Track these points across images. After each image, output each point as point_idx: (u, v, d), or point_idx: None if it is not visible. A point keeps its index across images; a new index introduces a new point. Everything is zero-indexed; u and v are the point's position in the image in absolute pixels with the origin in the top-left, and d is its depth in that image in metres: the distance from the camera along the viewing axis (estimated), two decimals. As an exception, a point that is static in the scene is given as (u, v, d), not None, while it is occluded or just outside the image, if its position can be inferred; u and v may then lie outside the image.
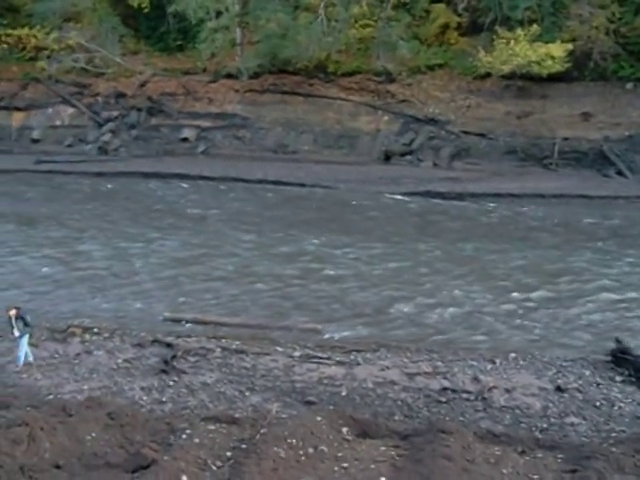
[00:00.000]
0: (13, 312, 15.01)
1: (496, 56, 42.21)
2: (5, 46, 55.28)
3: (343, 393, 13.88)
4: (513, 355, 15.68)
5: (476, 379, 14.41)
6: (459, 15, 47.14)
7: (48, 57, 53.47)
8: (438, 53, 47.33)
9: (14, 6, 56.96)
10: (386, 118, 47.14)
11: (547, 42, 41.59)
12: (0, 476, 8.07)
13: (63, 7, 53.06)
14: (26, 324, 14.90)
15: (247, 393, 13.88)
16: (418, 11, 47.65)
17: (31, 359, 15.16)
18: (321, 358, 15.43)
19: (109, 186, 40.00)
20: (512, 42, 41.72)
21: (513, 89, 44.27)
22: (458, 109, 45.50)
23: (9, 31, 54.99)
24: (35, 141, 53.85)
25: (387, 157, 45.44)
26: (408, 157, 45.17)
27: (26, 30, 54.45)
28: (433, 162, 44.23)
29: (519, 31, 42.18)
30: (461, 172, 41.73)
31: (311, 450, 8.97)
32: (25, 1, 56.41)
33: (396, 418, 12.69)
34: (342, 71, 48.15)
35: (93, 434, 9.40)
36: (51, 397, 13.48)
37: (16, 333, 15.00)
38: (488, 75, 44.23)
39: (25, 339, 15.01)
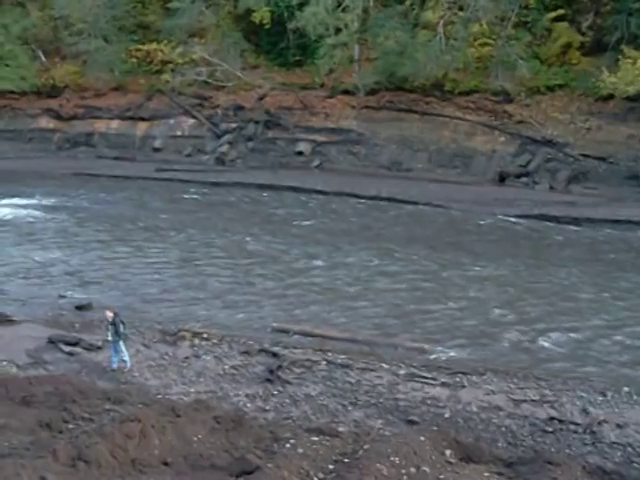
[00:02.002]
0: (109, 315, 15.60)
1: (621, 77, 40.66)
2: (134, 60, 58.22)
3: (446, 415, 13.69)
4: (626, 389, 14.99)
5: (585, 411, 13.87)
6: (582, 34, 45.80)
7: (173, 70, 55.76)
8: (559, 73, 46.07)
9: (144, 23, 59.94)
10: (502, 139, 46.27)
11: (677, 63, 39.81)
12: (113, 467, 8.43)
13: (189, 23, 55.29)
14: (117, 332, 15.41)
15: (350, 408, 13.91)
16: (539, 30, 46.60)
17: (114, 366, 15.68)
18: (426, 378, 15.28)
19: (257, 198, 41.07)
20: (639, 62, 40.14)
21: (638, 111, 42.49)
22: (577, 131, 44.12)
23: (139, 46, 57.86)
24: (156, 150, 56.11)
25: (502, 178, 44.55)
26: (523, 179, 44.11)
27: (154, 45, 57.14)
28: (549, 185, 43.01)
29: (647, 51, 40.60)
30: (578, 196, 40.39)
31: (413, 470, 8.88)
32: (155, 18, 59.19)
33: (499, 444, 12.41)
34: (459, 90, 47.65)
35: (200, 436, 9.66)
36: (160, 397, 13.94)
37: (109, 337, 15.59)
38: (611, 96, 42.61)
39: (119, 345, 15.53)
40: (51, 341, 17.07)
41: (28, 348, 16.71)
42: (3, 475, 7.66)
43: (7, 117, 62.94)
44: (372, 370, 15.69)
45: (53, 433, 10.32)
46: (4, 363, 15.87)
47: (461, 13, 46.44)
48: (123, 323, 15.62)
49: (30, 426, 10.61)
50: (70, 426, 10.71)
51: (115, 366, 15.60)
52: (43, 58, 62.83)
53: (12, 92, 60.88)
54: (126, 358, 15.66)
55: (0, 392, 13.17)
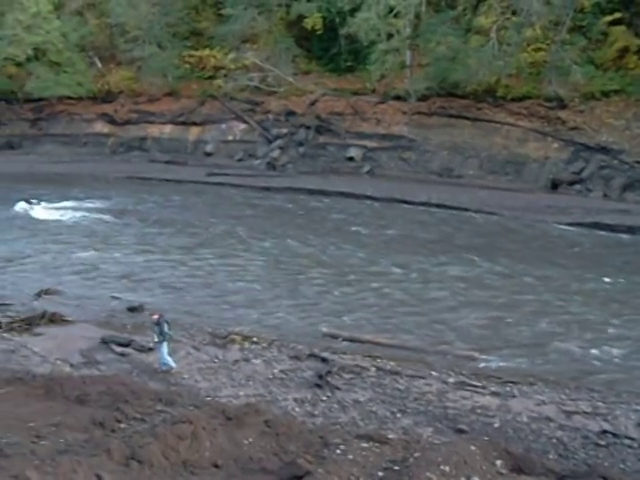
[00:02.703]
0: (155, 317, 15.87)
1: (680, 82, 39.73)
2: (187, 66, 59.25)
3: (496, 424, 13.53)
4: (684, 403, 14.61)
5: (640, 425, 13.57)
6: (641, 38, 44.88)
7: (225, 76, 56.47)
8: (615, 78, 45.11)
9: (198, 29, 60.90)
10: (555, 145, 45.54)
11: None
12: (165, 467, 8.55)
13: (242, 29, 55.90)
14: (161, 332, 15.62)
15: (398, 415, 13.85)
16: (595, 34, 45.72)
17: (169, 365, 15.81)
18: (476, 387, 15.15)
19: (322, 204, 41.02)
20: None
21: (697, 118, 41.49)
22: (633, 138, 43.14)
23: (192, 52, 58.83)
24: (208, 154, 56.75)
25: (554, 185, 43.87)
26: (577, 186, 43.35)
27: (207, 51, 58.06)
28: (603, 193, 42.17)
29: None
30: (633, 204, 39.46)
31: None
32: (208, 25, 60.04)
33: (550, 456, 12.18)
34: (512, 96, 47.09)
35: (250, 439, 9.72)
36: (209, 399, 14.06)
37: (155, 338, 15.81)
38: (670, 103, 41.71)
39: (163, 346, 15.72)
40: (104, 341, 17.38)
41: (81, 348, 17.05)
42: (61, 471, 7.85)
43: (64, 122, 64.47)
44: (421, 377, 15.62)
45: (106, 432, 10.50)
46: (58, 362, 16.22)
47: (514, 18, 45.89)
48: (168, 324, 15.80)
49: (84, 424, 10.82)
50: (122, 425, 10.88)
51: (164, 367, 15.81)
52: (99, 64, 64.27)
53: (69, 97, 62.43)
54: (167, 359, 15.81)
55: (55, 390, 13.47)
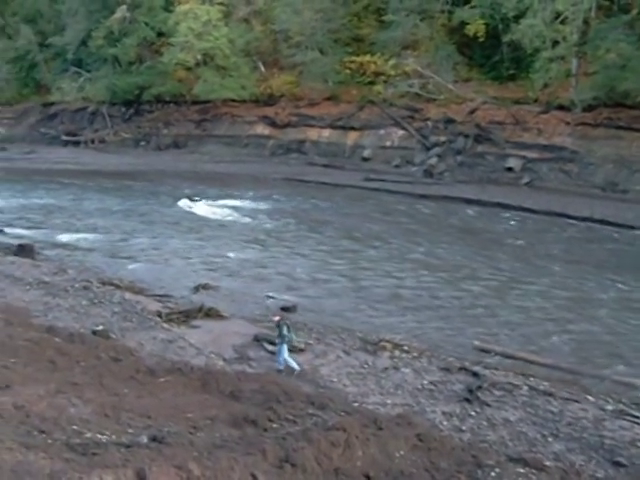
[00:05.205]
0: (276, 318, 16.25)
1: None
2: (348, 71, 60.10)
3: (658, 461, 12.67)
4: None
5: None
6: None
7: (385, 82, 56.79)
8: None
9: (359, 36, 61.70)
10: None
11: None
12: (317, 474, 8.63)
13: (403, 36, 56.07)
14: (280, 334, 15.84)
15: (550, 439, 13.28)
16: None
17: (291, 367, 15.89)
18: (637, 417, 14.27)
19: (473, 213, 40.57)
20: None
21: None
22: None
23: (353, 58, 59.61)
24: (365, 159, 57.18)
25: None
26: None
27: (367, 57, 58.66)
28: None
29: None
30: None
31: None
32: (369, 31, 60.67)
33: None
34: (688, 107, 44.26)
35: (402, 452, 9.62)
36: (356, 404, 14.09)
37: (277, 339, 16.07)
38: None
39: (282, 347, 15.91)
40: (256, 339, 17.84)
41: (235, 343, 17.59)
42: (219, 467, 8.10)
43: (227, 123, 67.26)
44: (576, 401, 14.90)
45: (259, 431, 10.73)
46: (212, 355, 16.81)
47: (697, 22, 43.19)
48: (288, 327, 15.98)
49: (238, 421, 11.11)
50: (274, 425, 11.09)
51: (280, 366, 16.00)
52: (262, 69, 66.50)
53: (233, 100, 65.11)
54: (286, 360, 15.95)
55: (211, 384, 14.00)
